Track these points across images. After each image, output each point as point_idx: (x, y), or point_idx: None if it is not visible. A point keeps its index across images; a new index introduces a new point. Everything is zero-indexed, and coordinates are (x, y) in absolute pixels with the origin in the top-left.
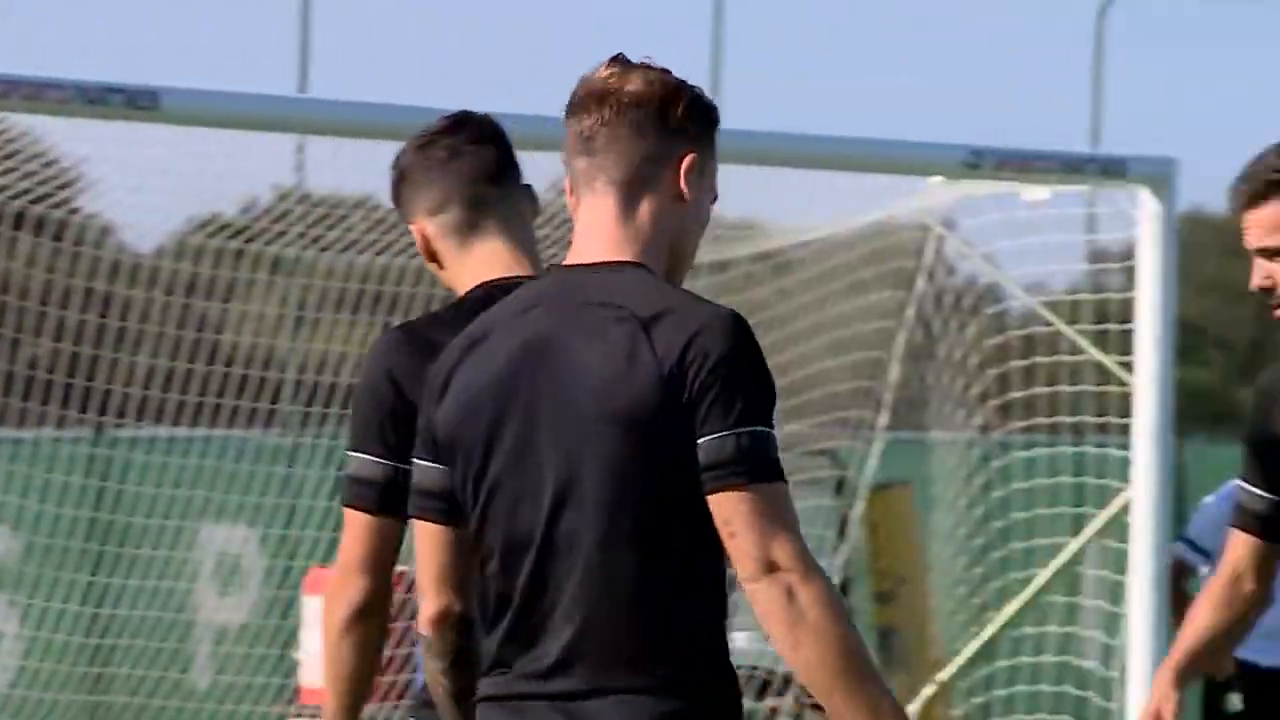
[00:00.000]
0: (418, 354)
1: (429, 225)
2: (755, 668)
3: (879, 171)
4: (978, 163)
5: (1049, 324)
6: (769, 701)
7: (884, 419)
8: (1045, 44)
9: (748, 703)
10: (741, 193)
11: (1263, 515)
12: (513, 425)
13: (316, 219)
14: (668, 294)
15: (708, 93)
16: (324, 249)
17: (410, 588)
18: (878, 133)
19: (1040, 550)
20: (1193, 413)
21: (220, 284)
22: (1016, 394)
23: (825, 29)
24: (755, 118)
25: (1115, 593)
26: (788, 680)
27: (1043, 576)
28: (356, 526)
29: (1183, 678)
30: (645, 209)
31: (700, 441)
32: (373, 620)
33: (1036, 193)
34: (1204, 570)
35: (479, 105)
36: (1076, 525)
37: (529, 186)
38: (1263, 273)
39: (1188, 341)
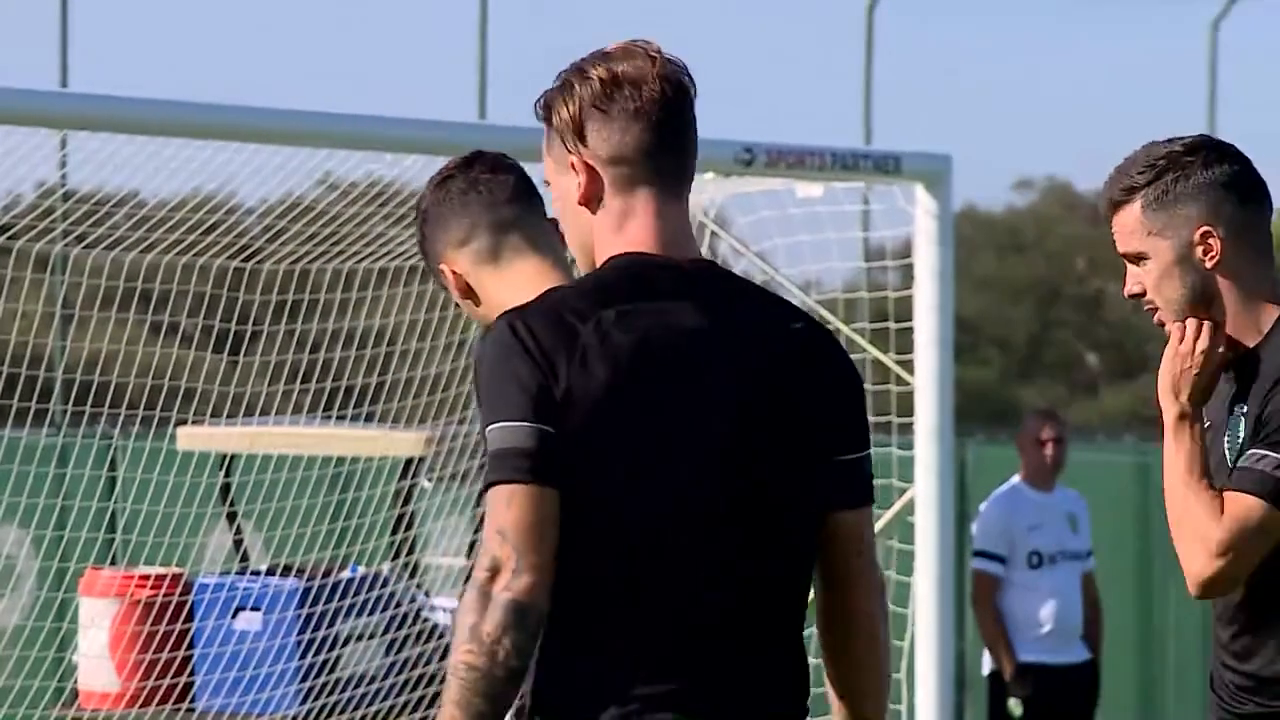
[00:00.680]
0: None
1: (459, 259)
2: None
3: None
4: (750, 159)
5: (826, 322)
6: None
7: None
8: (816, 39)
9: None
10: None
11: None
12: None
13: (81, 216)
14: None
15: (474, 89)
16: (89, 246)
17: None
18: None
19: None
20: (971, 411)
21: None
22: None
23: (587, 22)
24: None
25: (900, 593)
26: None
27: None
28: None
29: None
30: None
31: None
32: None
33: (810, 189)
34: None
35: (242, 99)
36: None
37: (554, 220)
38: (1131, 279)
39: (964, 340)
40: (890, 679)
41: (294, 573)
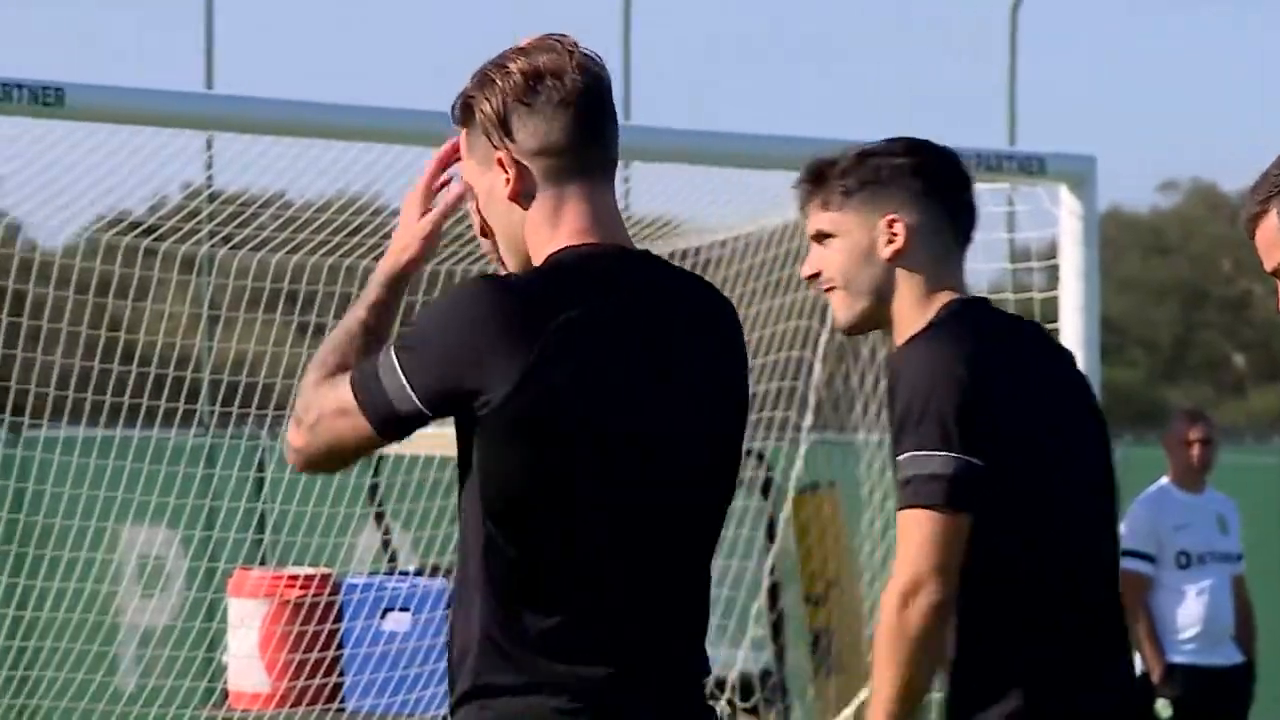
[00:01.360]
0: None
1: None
2: None
3: (794, 170)
4: None
5: None
6: None
7: (809, 420)
8: (960, 41)
9: None
10: (656, 191)
11: None
12: None
13: (226, 217)
14: None
15: (619, 91)
16: (235, 247)
17: None
18: (794, 131)
19: None
20: (1117, 412)
21: (131, 283)
22: None
23: (740, 27)
24: (667, 115)
25: None
26: (720, 684)
27: None
28: (932, 526)
29: None
30: None
31: None
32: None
33: None
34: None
35: (387, 100)
36: None
37: None
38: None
39: (1110, 341)
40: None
41: (442, 573)
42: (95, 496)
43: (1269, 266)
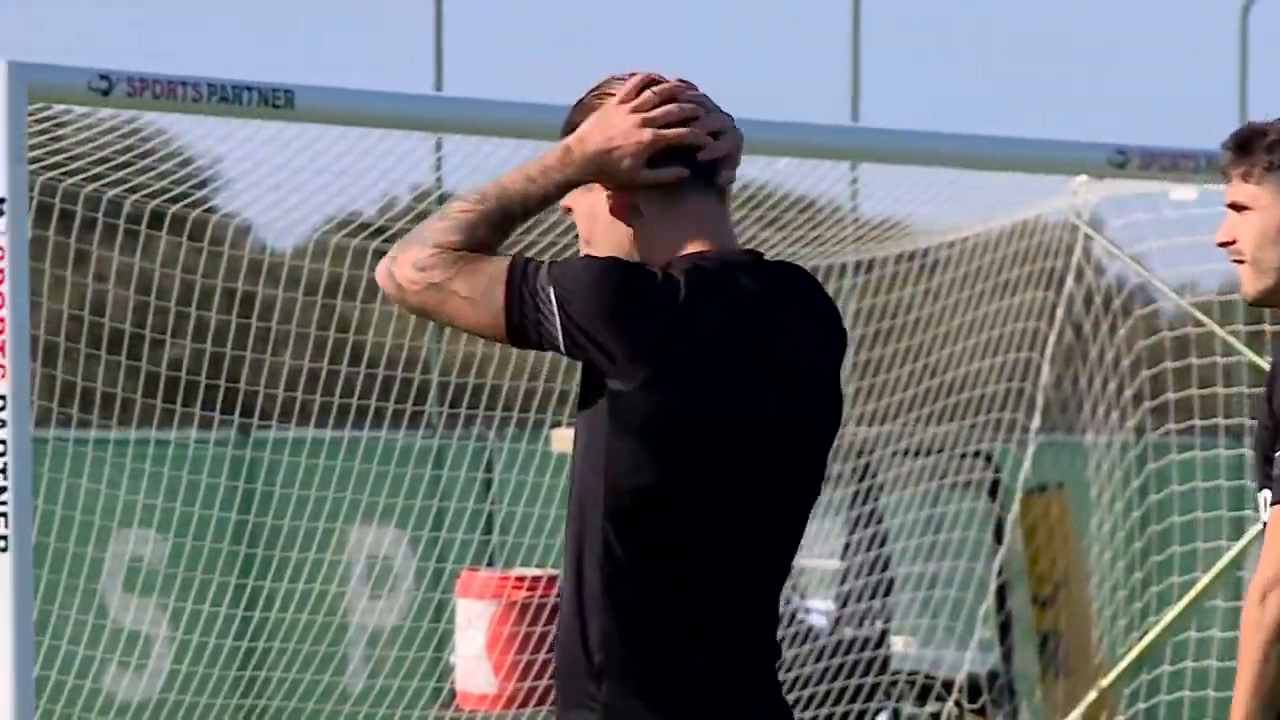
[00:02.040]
0: None
1: None
2: (915, 672)
3: (1024, 171)
4: (1123, 161)
5: (1201, 325)
6: (929, 707)
7: (1037, 421)
8: (1189, 42)
9: (909, 708)
10: (885, 192)
11: None
12: None
13: None
14: None
15: (847, 92)
16: None
17: None
18: (1022, 131)
19: (1201, 554)
20: None
21: (360, 284)
22: (1171, 395)
23: (967, 26)
24: (897, 117)
25: None
26: (948, 685)
27: (1204, 580)
28: None
29: None
30: None
31: None
32: None
33: (1184, 192)
34: None
35: None
36: (1236, 528)
37: None
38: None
39: None
40: None
41: None
42: (324, 497)
43: None
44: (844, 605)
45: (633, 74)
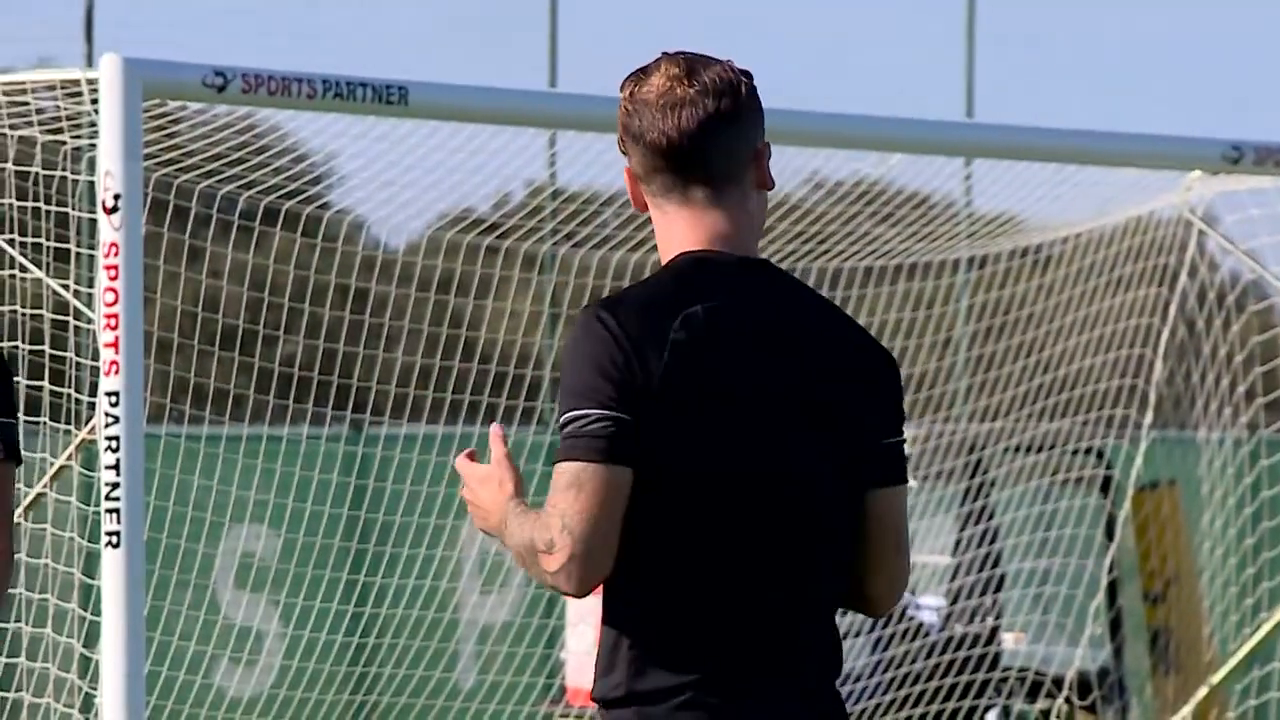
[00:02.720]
0: None
1: None
2: (1025, 669)
3: (1137, 166)
4: (1237, 157)
5: None
6: (1039, 704)
7: (1149, 417)
8: None
9: (1019, 705)
10: (999, 188)
11: None
12: None
13: (569, 215)
14: None
15: (962, 88)
16: (577, 245)
17: None
18: (1136, 127)
19: None
20: None
21: (474, 280)
22: None
23: (1081, 22)
24: (1010, 113)
25: None
26: (1058, 682)
27: None
28: None
29: None
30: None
31: None
32: None
33: None
34: None
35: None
36: None
37: None
38: None
39: None
40: None
41: None
42: (436, 493)
43: None
44: (954, 601)
45: (666, 54)
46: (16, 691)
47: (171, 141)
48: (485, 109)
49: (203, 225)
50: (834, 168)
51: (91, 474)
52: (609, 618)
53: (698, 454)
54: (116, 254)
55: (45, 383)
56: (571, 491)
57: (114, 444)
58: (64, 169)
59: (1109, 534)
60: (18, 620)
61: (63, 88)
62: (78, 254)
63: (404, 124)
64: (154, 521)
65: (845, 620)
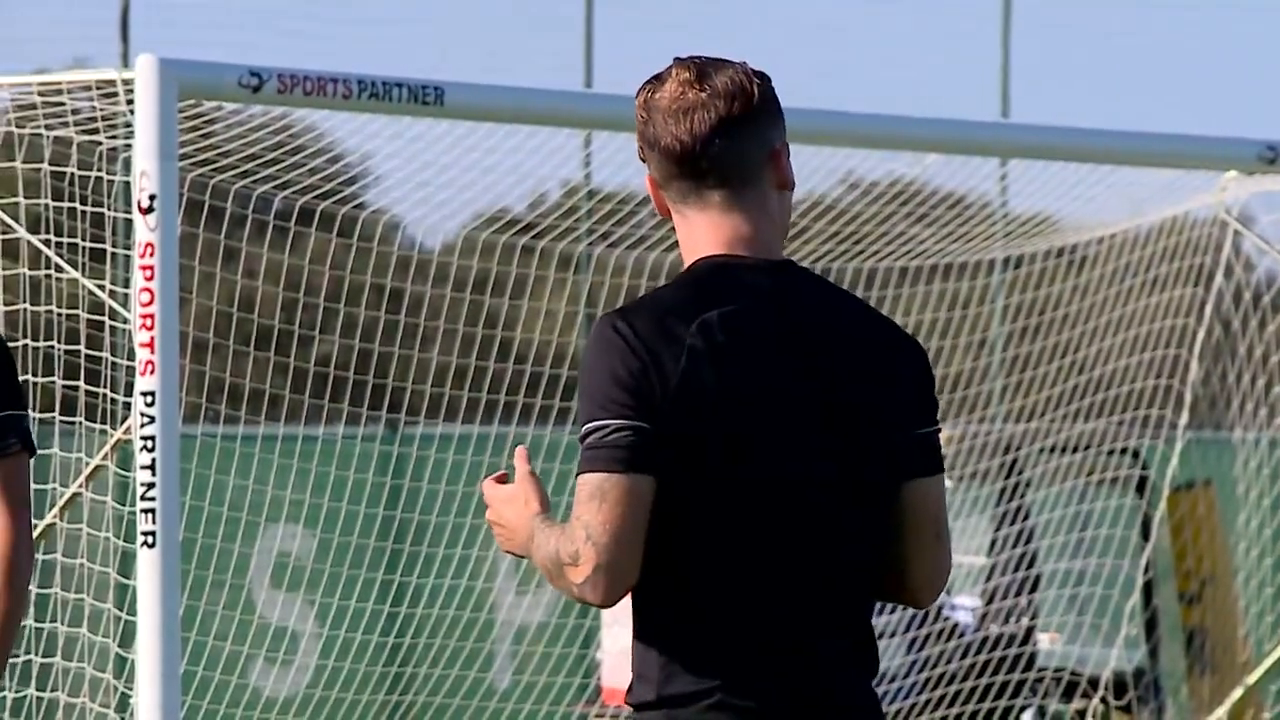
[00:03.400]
0: None
1: None
2: (1060, 669)
3: (1173, 167)
4: (1273, 157)
5: None
6: (1075, 704)
7: (1185, 418)
8: None
9: (1054, 705)
10: (1035, 188)
11: None
12: None
13: (605, 215)
14: None
15: (997, 88)
16: (612, 245)
17: None
18: (1171, 128)
19: None
20: None
21: (509, 280)
22: None
23: (1117, 21)
24: (1046, 113)
25: None
26: (1094, 682)
27: None
28: None
29: None
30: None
31: None
32: None
33: None
34: None
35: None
36: None
37: None
38: None
39: None
40: None
41: None
42: (472, 493)
43: None
44: (990, 601)
45: (679, 59)
46: (53, 691)
47: (207, 141)
48: (521, 109)
49: (238, 225)
50: (869, 168)
51: (127, 474)
52: (639, 629)
53: (717, 460)
54: (152, 254)
55: (81, 383)
56: (594, 502)
57: (149, 444)
58: (100, 169)
59: (1144, 534)
60: (54, 620)
61: (98, 88)
62: (113, 254)
63: (440, 124)
64: (189, 521)
65: (880, 621)
